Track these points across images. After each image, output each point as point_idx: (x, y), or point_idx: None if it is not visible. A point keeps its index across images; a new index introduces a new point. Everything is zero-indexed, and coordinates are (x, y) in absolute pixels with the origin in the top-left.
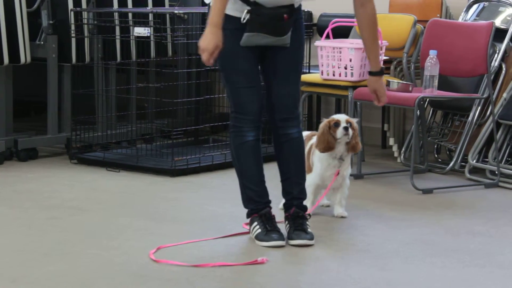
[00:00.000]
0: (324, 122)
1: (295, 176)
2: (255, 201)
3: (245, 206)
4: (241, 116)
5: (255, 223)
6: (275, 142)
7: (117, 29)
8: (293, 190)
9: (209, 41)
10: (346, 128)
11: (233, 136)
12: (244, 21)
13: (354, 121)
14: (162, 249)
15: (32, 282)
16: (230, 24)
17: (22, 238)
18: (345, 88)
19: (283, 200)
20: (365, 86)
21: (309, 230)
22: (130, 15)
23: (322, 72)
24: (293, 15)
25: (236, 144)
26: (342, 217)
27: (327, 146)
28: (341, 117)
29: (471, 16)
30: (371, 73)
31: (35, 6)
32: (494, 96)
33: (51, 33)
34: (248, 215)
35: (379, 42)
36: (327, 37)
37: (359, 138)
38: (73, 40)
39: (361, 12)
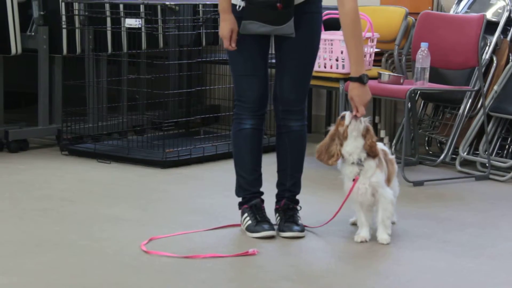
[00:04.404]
0: (331, 129)
1: (291, 169)
2: (244, 189)
3: (236, 194)
4: (240, 103)
5: (246, 215)
6: (276, 132)
7: (108, 20)
8: (286, 182)
9: (223, 28)
10: (355, 116)
11: (233, 123)
12: (240, 9)
13: (365, 119)
14: (153, 240)
15: (23, 273)
16: (233, 12)
17: (13, 229)
18: (336, 80)
19: (354, 217)
20: None
21: (299, 222)
22: (121, 6)
23: None
24: (290, 5)
25: (234, 131)
26: (382, 243)
27: (329, 157)
28: (347, 112)
29: (463, 8)
30: (349, 79)
31: None
32: (485, 88)
33: (42, 24)
34: (239, 207)
35: (362, 45)
36: None
37: (375, 139)
38: (64, 31)
39: (341, 11)
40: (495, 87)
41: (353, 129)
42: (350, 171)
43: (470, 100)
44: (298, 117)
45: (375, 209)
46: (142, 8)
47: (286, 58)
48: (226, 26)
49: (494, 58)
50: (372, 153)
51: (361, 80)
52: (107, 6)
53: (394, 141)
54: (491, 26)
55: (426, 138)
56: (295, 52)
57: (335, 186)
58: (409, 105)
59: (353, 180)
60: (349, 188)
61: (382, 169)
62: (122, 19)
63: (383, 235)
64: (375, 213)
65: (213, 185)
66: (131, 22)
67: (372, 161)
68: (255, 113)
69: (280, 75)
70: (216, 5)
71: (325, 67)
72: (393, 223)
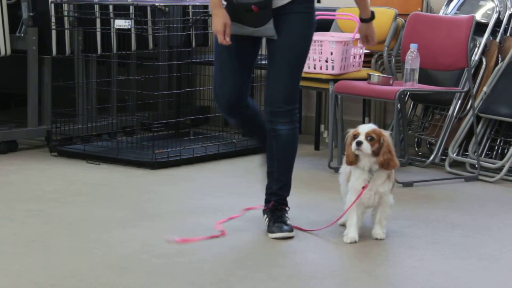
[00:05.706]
0: (349, 133)
1: (277, 173)
2: None
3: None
4: (214, 98)
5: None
6: (267, 135)
7: (98, 21)
8: (272, 186)
9: (216, 23)
10: (359, 143)
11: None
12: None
13: (387, 134)
14: (143, 241)
15: (11, 274)
16: None
17: (2, 230)
18: (326, 81)
19: (342, 218)
20: (346, 79)
21: (288, 222)
22: (111, 7)
23: None
24: (267, 7)
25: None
26: (376, 238)
27: (347, 159)
28: (363, 129)
29: (452, 10)
30: (362, 20)
31: None
32: (475, 90)
33: (31, 25)
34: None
35: None
36: None
37: (392, 154)
38: (54, 32)
39: None
40: (484, 88)
41: (360, 153)
42: (359, 176)
43: (459, 101)
44: (286, 120)
45: (373, 210)
46: (131, 9)
47: (273, 58)
48: (219, 21)
49: (483, 60)
50: (382, 167)
51: (373, 17)
52: (96, 7)
53: None
54: (480, 28)
55: (416, 139)
56: (280, 52)
57: (325, 188)
58: (399, 106)
59: (362, 187)
60: (353, 188)
61: (391, 179)
62: (112, 20)
63: (377, 230)
64: (373, 212)
65: (203, 186)
66: (121, 23)
67: (381, 172)
68: (228, 111)
69: (268, 75)
70: (206, 6)
71: (314, 68)
72: None
